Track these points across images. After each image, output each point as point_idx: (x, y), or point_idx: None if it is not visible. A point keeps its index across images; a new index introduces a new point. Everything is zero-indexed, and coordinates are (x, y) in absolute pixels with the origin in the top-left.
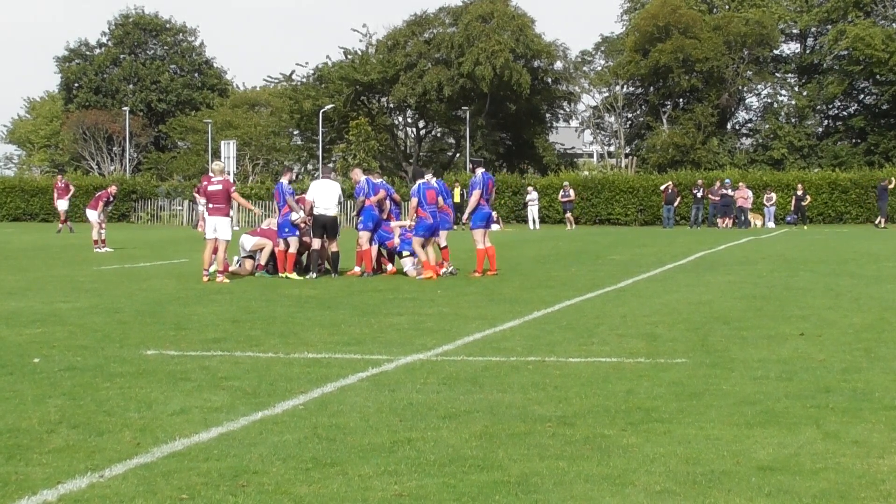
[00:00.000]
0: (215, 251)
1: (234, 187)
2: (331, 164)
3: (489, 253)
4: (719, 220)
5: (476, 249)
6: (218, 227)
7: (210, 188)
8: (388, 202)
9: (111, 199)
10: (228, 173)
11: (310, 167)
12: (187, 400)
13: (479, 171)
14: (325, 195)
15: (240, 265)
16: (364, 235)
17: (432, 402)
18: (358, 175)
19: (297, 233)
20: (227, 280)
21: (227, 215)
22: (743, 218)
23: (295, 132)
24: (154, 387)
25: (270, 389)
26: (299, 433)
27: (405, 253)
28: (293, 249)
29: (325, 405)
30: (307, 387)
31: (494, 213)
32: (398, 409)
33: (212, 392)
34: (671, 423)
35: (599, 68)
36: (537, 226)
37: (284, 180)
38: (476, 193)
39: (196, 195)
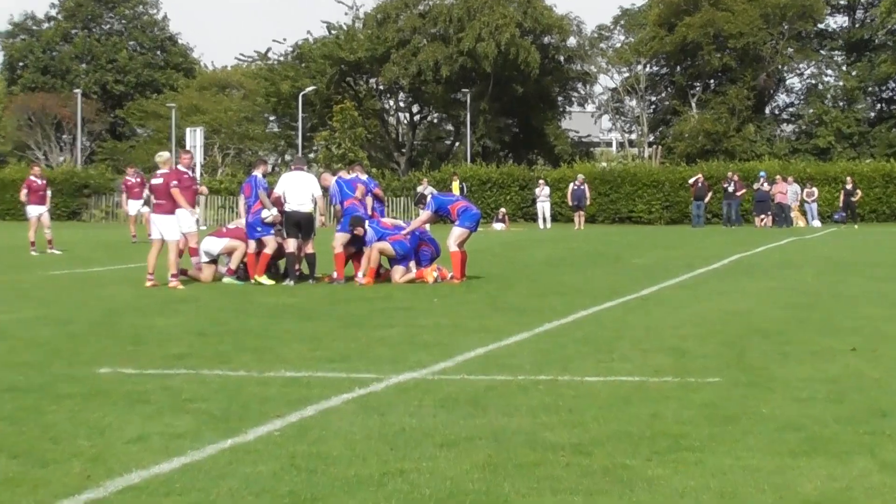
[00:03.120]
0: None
1: (175, 182)
2: (312, 155)
3: (454, 260)
4: (757, 219)
5: (450, 252)
6: (162, 227)
7: (153, 181)
8: (368, 197)
9: (41, 184)
10: (195, 166)
11: (288, 158)
12: (146, 425)
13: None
14: (297, 189)
15: (198, 267)
16: (340, 238)
17: (428, 428)
18: (328, 180)
19: (273, 231)
20: (181, 286)
21: (173, 212)
22: (783, 215)
23: (271, 118)
24: (108, 410)
25: (242, 413)
26: (275, 463)
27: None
28: (269, 250)
29: (304, 431)
30: (284, 410)
31: (502, 210)
32: (388, 436)
33: (174, 416)
34: (703, 452)
35: (619, 45)
36: (548, 224)
37: (258, 173)
38: (427, 214)
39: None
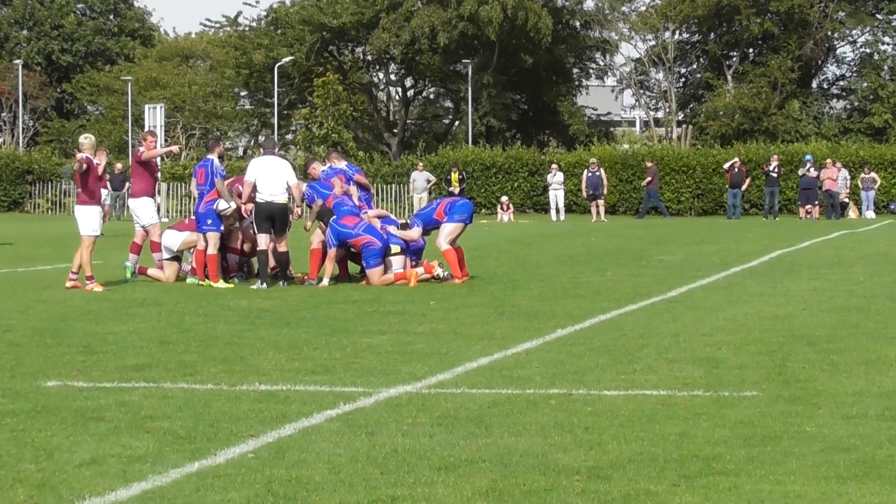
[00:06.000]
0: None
1: (80, 165)
2: (290, 136)
3: (449, 259)
4: (801, 209)
5: (442, 251)
6: (79, 219)
7: (74, 167)
8: (351, 186)
9: None
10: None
11: (262, 139)
12: (101, 446)
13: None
14: (270, 177)
15: (159, 265)
16: (318, 232)
17: (423, 449)
18: (317, 170)
19: (222, 228)
20: (98, 288)
21: (89, 203)
22: (832, 205)
23: (242, 93)
24: (56, 429)
25: (210, 432)
26: (249, 490)
27: (394, 249)
28: (212, 249)
29: (281, 453)
30: (258, 429)
31: (505, 198)
32: (378, 459)
33: (133, 436)
34: (738, 477)
35: (643, 8)
36: (562, 216)
37: (214, 157)
38: (417, 230)
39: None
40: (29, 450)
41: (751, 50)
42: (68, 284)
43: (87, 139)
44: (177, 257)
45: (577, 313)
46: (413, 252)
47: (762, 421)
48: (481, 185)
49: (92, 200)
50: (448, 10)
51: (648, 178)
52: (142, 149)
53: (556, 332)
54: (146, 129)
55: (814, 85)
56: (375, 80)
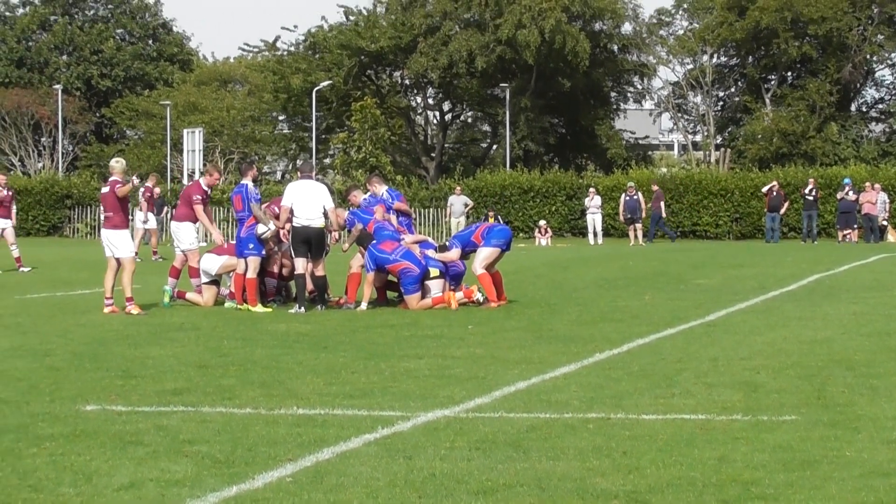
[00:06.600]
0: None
1: (120, 185)
2: (328, 160)
3: (484, 283)
4: (839, 233)
5: (477, 275)
6: (113, 243)
7: (102, 191)
8: (391, 215)
9: (6, 194)
10: (192, 173)
11: (300, 163)
12: (139, 470)
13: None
14: (306, 201)
15: (198, 289)
16: (357, 256)
17: (461, 473)
18: (358, 197)
19: (263, 252)
20: (135, 311)
21: (121, 226)
22: (870, 229)
23: (280, 117)
24: (95, 453)
25: (249, 456)
26: None
27: (433, 272)
28: (252, 273)
29: (320, 477)
30: (297, 453)
31: (542, 222)
32: (416, 483)
33: (171, 460)
34: (777, 501)
35: (681, 32)
36: (600, 240)
37: (248, 181)
38: (456, 251)
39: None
40: (68, 474)
41: (789, 73)
42: (106, 310)
43: (118, 163)
44: (215, 281)
45: (615, 337)
46: (453, 277)
47: (801, 445)
48: (519, 208)
49: (126, 224)
50: (486, 34)
51: (659, 202)
52: (203, 183)
53: (594, 357)
54: (185, 152)
55: (852, 108)
56: (413, 104)
